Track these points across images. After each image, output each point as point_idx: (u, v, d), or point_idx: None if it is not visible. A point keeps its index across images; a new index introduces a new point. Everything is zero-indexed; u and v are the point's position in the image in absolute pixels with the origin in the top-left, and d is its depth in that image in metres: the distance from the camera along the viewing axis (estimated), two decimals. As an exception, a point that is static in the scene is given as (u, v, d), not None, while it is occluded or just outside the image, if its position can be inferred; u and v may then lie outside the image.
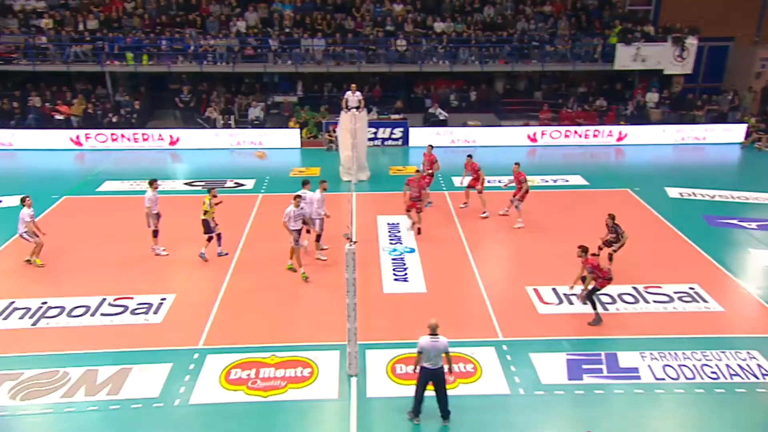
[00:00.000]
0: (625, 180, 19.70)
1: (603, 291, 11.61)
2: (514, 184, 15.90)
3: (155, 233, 14.12)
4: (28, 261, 13.61)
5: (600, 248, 13.09)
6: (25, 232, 13.48)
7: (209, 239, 14.05)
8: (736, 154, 23.54)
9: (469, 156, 16.67)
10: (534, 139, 24.22)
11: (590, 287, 11.39)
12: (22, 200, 13.63)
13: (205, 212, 14.02)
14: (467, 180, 16.82)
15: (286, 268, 13.20)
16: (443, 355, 8.59)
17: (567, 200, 17.97)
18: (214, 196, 14.23)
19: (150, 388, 9.64)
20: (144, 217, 14.01)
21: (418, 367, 8.72)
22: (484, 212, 16.24)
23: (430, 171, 17.15)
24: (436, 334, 8.55)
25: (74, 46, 24.84)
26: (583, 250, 11.33)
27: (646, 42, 25.25)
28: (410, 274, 13.36)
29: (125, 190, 18.73)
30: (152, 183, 14.13)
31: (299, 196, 12.90)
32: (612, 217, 13.06)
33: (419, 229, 15.32)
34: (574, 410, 9.25)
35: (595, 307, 11.44)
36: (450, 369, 8.78)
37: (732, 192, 18.54)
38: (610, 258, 13.09)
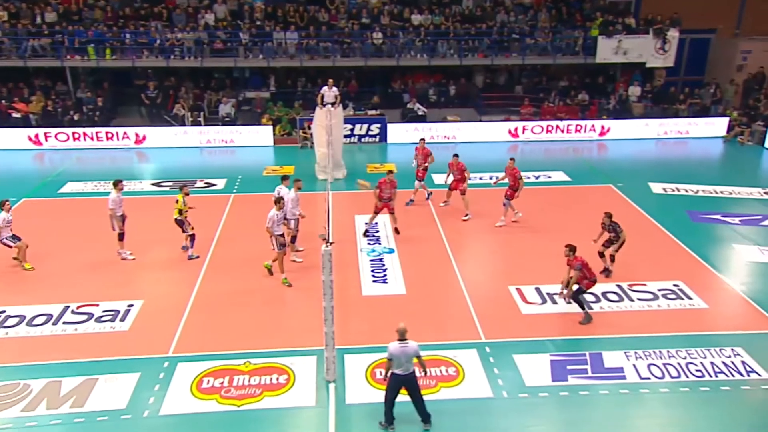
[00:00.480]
0: (609, 175, 19.95)
1: (589, 290, 11.73)
2: (506, 181, 15.81)
3: (121, 236, 13.94)
4: (19, 261, 13.60)
5: (601, 254, 13.08)
6: (7, 237, 13.30)
7: (191, 236, 14.05)
8: (718, 148, 24.01)
9: (455, 155, 16.40)
10: (515, 135, 24.41)
11: (575, 288, 11.52)
12: (1, 204, 13.31)
13: (180, 211, 13.96)
14: (450, 180, 16.63)
15: (263, 266, 13.09)
16: (415, 360, 8.59)
17: (550, 197, 18.13)
18: (187, 194, 14.23)
19: (117, 400, 9.50)
20: (108, 219, 13.80)
21: (389, 374, 8.69)
22: (467, 215, 16.22)
23: (425, 165, 17.24)
24: (405, 339, 8.56)
25: (32, 40, 24.35)
26: (571, 249, 11.42)
27: (627, 34, 25.61)
28: (389, 276, 13.37)
29: (89, 192, 18.43)
30: (117, 184, 13.92)
31: (281, 199, 12.68)
32: (609, 215, 13.00)
33: (396, 228, 15.35)
34: (559, 412, 9.34)
35: (583, 307, 11.56)
36: (425, 371, 8.85)
37: (715, 187, 18.90)
38: (612, 259, 13.12)
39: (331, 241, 9.50)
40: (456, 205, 16.75)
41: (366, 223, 15.30)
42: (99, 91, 25.30)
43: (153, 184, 19.25)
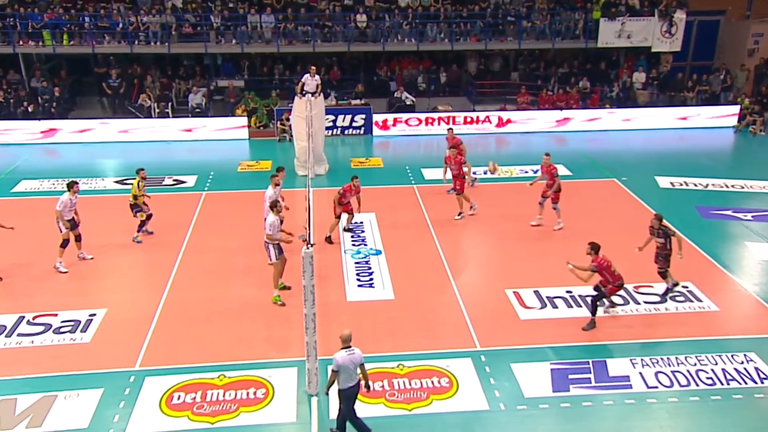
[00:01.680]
0: (612, 169, 20.09)
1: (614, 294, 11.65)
2: (544, 178, 15.45)
3: (67, 243, 13.71)
4: None
5: (659, 266, 12.34)
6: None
7: (144, 220, 14.49)
8: (729, 138, 24.28)
9: (452, 148, 16.42)
10: (503, 124, 24.47)
11: (594, 293, 11.53)
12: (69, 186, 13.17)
13: (135, 196, 14.44)
14: (449, 176, 16.40)
15: (271, 301, 12.36)
16: (360, 368, 8.61)
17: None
18: (144, 178, 14.72)
19: (78, 418, 9.41)
20: (58, 221, 13.63)
21: (331, 389, 8.62)
22: (460, 213, 16.23)
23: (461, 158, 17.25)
24: (350, 347, 8.56)
25: (-20, 24, 24.10)
26: (593, 247, 11.32)
27: (631, 17, 25.81)
28: (376, 280, 13.37)
29: (45, 191, 18.27)
30: (72, 186, 13.76)
31: (278, 202, 12.29)
32: (659, 218, 12.26)
33: (349, 228, 15.39)
34: (560, 425, 9.40)
35: (594, 311, 11.56)
36: (367, 385, 8.81)
37: (726, 180, 19.10)
38: (663, 275, 12.35)
39: (312, 242, 9.49)
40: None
41: (345, 228, 15.25)
42: (56, 80, 25.06)
43: (116, 182, 19.11)
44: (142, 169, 15.08)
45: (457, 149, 16.47)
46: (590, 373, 10.41)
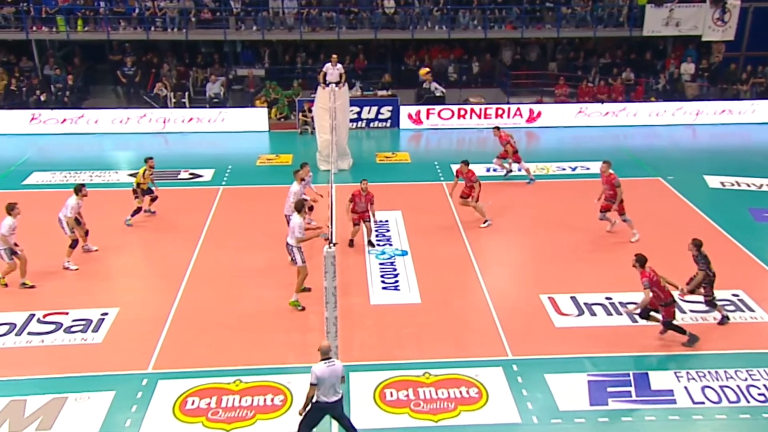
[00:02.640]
0: (657, 167, 19.85)
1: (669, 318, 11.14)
2: (606, 186, 14.81)
3: (74, 243, 13.93)
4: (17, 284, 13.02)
5: (710, 302, 11.89)
6: (4, 249, 12.80)
7: (139, 207, 15.29)
8: (786, 135, 23.84)
9: (465, 162, 15.76)
10: (533, 119, 24.32)
11: (649, 312, 11.16)
12: (9, 208, 12.92)
13: (138, 184, 15.31)
14: (458, 189, 15.94)
15: (288, 305, 12.38)
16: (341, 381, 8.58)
17: (588, 192, 18.04)
18: (152, 167, 15.45)
19: (89, 421, 9.55)
20: (61, 223, 13.87)
21: (310, 404, 8.53)
22: (486, 221, 15.76)
23: (514, 150, 18.18)
24: (330, 358, 8.52)
25: (-7, 10, 24.57)
26: (638, 259, 10.90)
27: (680, 3, 25.42)
28: (402, 282, 13.37)
29: (57, 183, 18.57)
30: (80, 189, 14.01)
31: (305, 201, 12.34)
32: (698, 244, 11.73)
33: (371, 241, 14.93)
34: (597, 441, 9.32)
35: (677, 328, 11.11)
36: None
37: (782, 181, 18.79)
38: (711, 303, 11.87)
39: (334, 241, 9.52)
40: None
41: (368, 242, 14.95)
42: (69, 68, 25.48)
43: (130, 175, 19.34)
44: (151, 158, 15.84)
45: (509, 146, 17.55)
46: (631, 386, 10.31)
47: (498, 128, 18.91)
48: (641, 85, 25.79)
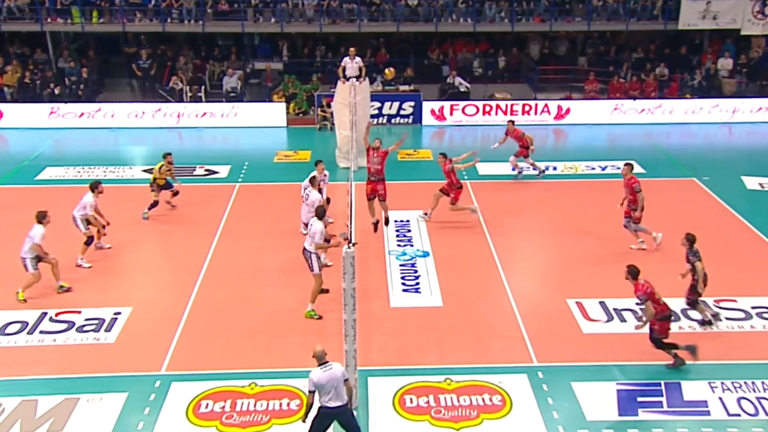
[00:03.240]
0: (692, 167, 19.66)
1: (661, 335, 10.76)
2: (627, 190, 14.43)
3: (90, 240, 14.09)
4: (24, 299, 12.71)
5: (688, 298, 11.82)
6: (32, 257, 12.63)
7: (156, 200, 15.66)
8: (830, 134, 23.47)
9: (442, 155, 15.62)
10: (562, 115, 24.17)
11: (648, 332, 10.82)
12: (41, 217, 12.74)
13: (154, 179, 15.73)
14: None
15: (304, 316, 12.24)
16: (344, 385, 8.52)
17: (618, 192, 17.90)
18: (170, 163, 15.84)
19: (101, 423, 9.66)
20: (75, 221, 14.01)
21: (311, 412, 8.51)
22: (473, 210, 15.97)
23: (528, 146, 18.11)
24: (327, 362, 8.51)
25: (7, 1, 24.90)
26: (630, 271, 10.51)
27: (718, -6, 25.14)
28: (423, 284, 13.36)
29: (70, 179, 18.80)
30: (96, 186, 14.19)
31: (323, 208, 12.28)
32: (691, 240, 11.65)
33: (387, 219, 15.22)
34: (626, 453, 9.26)
35: (665, 346, 10.75)
36: (350, 403, 8.72)
37: (825, 182, 18.51)
38: (692, 304, 11.79)
39: (354, 241, 9.53)
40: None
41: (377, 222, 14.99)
42: (83, 61, 25.77)
43: (145, 171, 19.54)
44: (170, 154, 16.12)
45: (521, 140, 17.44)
46: (662, 396, 10.23)
47: (513, 122, 18.76)
48: (676, 81, 25.53)
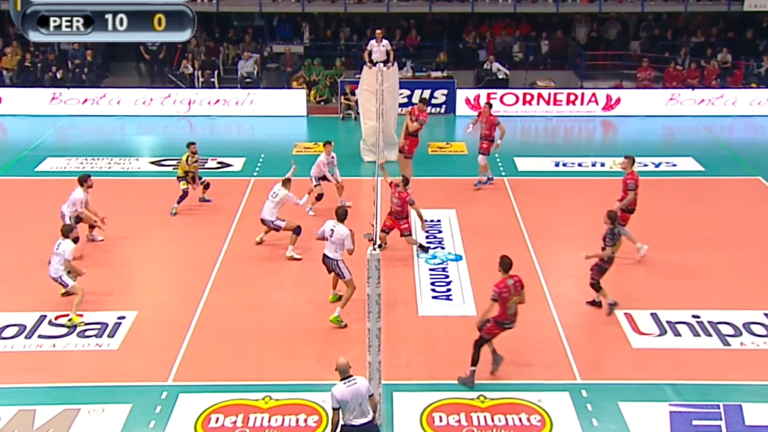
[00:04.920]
0: (758, 165, 19.48)
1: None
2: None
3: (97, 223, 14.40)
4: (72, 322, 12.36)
5: (592, 278, 12.33)
6: (65, 273, 12.36)
7: (185, 190, 16.03)
8: None
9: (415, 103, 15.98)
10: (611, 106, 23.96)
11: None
12: (68, 230, 12.65)
13: (186, 172, 16.03)
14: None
15: (329, 321, 12.23)
16: (369, 401, 8.51)
17: (673, 192, 17.76)
18: (194, 153, 16.00)
19: (103, 437, 9.77)
20: (64, 218, 14.12)
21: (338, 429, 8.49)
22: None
23: (490, 137, 17.36)
24: (351, 376, 8.49)
25: (7, -23, 25.27)
26: (503, 263, 10.48)
27: (789, -28, 24.80)
28: (455, 291, 13.35)
29: (73, 171, 18.94)
30: (85, 180, 14.35)
31: (346, 209, 12.35)
32: (612, 217, 12.13)
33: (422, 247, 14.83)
34: (679, 483, 9.17)
35: (476, 353, 10.59)
36: (375, 419, 8.70)
37: None
38: (595, 287, 12.40)
39: (379, 242, 9.53)
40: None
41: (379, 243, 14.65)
42: (88, 43, 26.04)
43: (152, 163, 19.74)
44: (193, 143, 16.25)
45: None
46: (721, 419, 10.11)
47: (490, 105, 17.97)
48: (740, 68, 25.26)
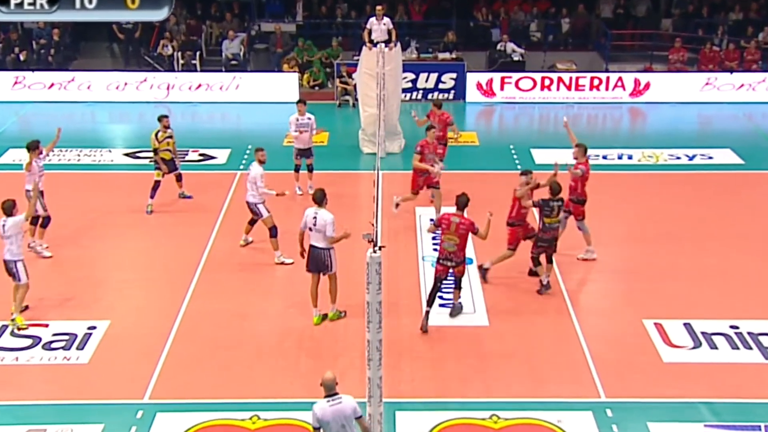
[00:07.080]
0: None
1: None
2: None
3: (39, 221, 14.11)
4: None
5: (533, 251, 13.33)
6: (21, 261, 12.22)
7: (158, 181, 15.75)
8: None
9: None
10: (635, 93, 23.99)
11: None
12: (8, 209, 12.11)
13: (154, 151, 15.74)
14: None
15: (331, 318, 12.56)
16: (355, 424, 8.47)
17: (709, 187, 17.77)
18: (166, 127, 15.84)
19: (71, 461, 9.80)
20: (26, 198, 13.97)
21: None
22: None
23: (443, 139, 17.06)
24: (336, 394, 8.45)
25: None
26: (460, 201, 12.54)
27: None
28: (465, 298, 13.33)
29: (37, 164, 19.04)
30: (35, 147, 14.44)
31: (324, 195, 12.35)
32: (555, 190, 13.17)
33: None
34: None
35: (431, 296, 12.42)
36: None
37: None
38: (535, 262, 13.38)
39: (380, 244, 9.52)
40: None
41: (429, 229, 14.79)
42: (55, 22, 26.08)
43: (126, 155, 19.73)
44: (166, 117, 16.15)
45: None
46: (762, 442, 10.14)
47: (439, 105, 17.62)
48: (784, 49, 25.27)
